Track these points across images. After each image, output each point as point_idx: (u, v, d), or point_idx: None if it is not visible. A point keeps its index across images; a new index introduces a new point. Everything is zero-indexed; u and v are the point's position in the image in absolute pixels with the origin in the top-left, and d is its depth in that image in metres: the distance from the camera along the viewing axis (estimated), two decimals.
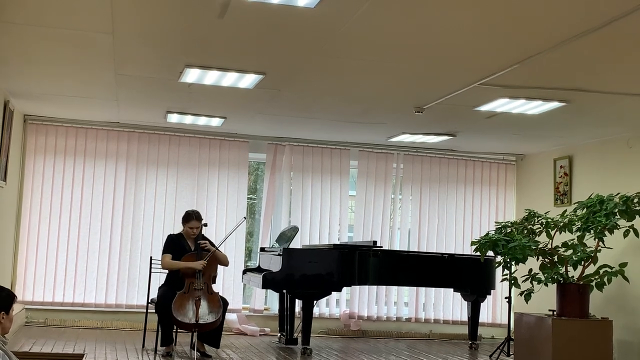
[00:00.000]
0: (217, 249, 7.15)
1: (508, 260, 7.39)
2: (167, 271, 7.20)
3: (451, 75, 5.99)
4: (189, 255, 7.01)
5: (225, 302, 7.01)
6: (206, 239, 7.31)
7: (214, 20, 4.79)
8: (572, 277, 7.19)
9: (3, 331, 3.78)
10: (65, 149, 8.96)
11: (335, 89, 6.73)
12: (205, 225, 7.33)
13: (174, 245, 7.13)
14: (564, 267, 7.21)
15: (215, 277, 7.13)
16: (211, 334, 6.98)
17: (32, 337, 7.55)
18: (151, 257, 7.58)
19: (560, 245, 7.35)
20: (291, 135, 9.39)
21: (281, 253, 7.58)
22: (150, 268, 7.46)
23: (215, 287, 7.13)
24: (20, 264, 8.72)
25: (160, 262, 7.13)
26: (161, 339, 6.95)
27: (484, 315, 9.55)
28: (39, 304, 8.72)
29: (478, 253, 7.63)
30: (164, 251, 7.14)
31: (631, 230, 6.73)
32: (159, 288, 7.16)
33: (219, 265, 7.24)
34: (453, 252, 9.20)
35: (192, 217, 7.15)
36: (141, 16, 4.88)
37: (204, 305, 6.80)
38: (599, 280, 7.03)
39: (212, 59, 5.83)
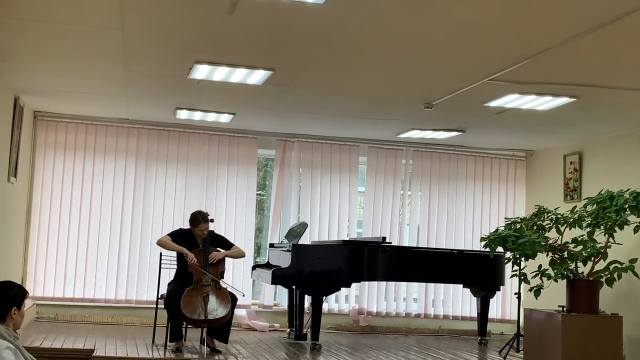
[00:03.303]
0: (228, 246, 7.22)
1: (517, 256, 7.37)
2: (176, 266, 7.23)
3: (460, 70, 5.98)
4: (197, 251, 7.03)
5: (234, 298, 7.03)
6: (218, 236, 7.33)
7: (224, 16, 4.79)
8: (582, 273, 7.16)
9: (15, 327, 3.80)
10: (75, 145, 8.99)
11: (344, 85, 6.73)
12: (212, 220, 7.32)
13: (183, 239, 7.14)
14: (574, 263, 7.19)
15: (223, 272, 7.15)
16: (220, 329, 7.00)
17: (43, 333, 7.58)
18: (161, 253, 7.59)
19: (570, 241, 7.33)
20: (300, 131, 9.40)
21: (290, 249, 7.59)
22: (160, 264, 7.47)
23: (225, 283, 7.15)
24: (30, 260, 8.76)
25: (158, 241, 7.25)
26: (170, 334, 6.97)
27: (494, 311, 9.54)
28: (49, 300, 8.77)
29: (487, 249, 7.62)
30: (168, 234, 7.25)
31: None
32: (168, 284, 7.19)
33: (230, 260, 7.27)
34: (462, 248, 9.18)
35: (199, 220, 7.12)
36: (150, 12, 4.89)
37: (212, 301, 6.82)
38: (609, 276, 7.00)
39: (221, 55, 5.83)
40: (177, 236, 7.22)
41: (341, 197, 9.66)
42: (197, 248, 7.08)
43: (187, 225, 7.41)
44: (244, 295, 7.25)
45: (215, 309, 6.83)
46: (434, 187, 9.98)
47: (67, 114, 8.89)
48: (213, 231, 7.36)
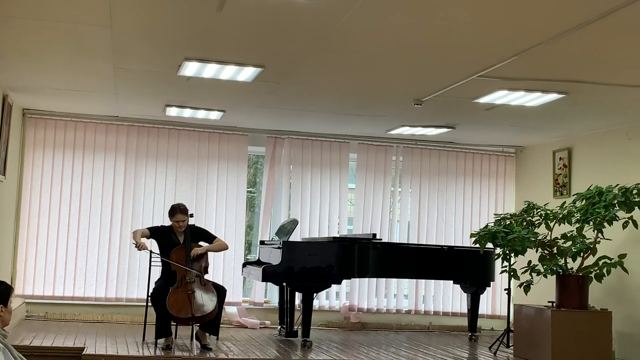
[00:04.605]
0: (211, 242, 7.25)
1: (507, 252, 7.41)
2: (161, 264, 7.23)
3: (450, 67, 5.99)
4: (178, 248, 7.02)
5: (221, 290, 7.02)
6: (199, 229, 7.33)
7: (213, 13, 4.78)
8: (572, 268, 7.20)
9: (3, 324, 3.79)
10: (64, 142, 8.96)
11: (334, 82, 6.73)
12: (191, 215, 7.31)
13: (162, 236, 7.15)
14: (563, 259, 7.23)
15: (207, 267, 7.13)
16: (209, 323, 7.00)
17: (33, 331, 7.56)
18: (151, 251, 7.58)
19: (559, 237, 7.37)
20: (290, 128, 9.39)
21: (281, 246, 7.58)
22: (150, 261, 7.45)
23: (215, 280, 7.15)
24: (20, 258, 8.72)
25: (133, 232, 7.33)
26: (159, 331, 6.93)
27: (484, 307, 9.57)
28: (39, 298, 8.74)
29: (477, 245, 7.64)
30: (148, 227, 7.32)
31: (630, 221, 6.74)
32: (156, 281, 7.19)
33: (220, 257, 7.28)
34: (452, 245, 9.21)
35: (177, 211, 7.14)
36: (139, 9, 4.87)
37: (198, 297, 6.81)
38: (598, 271, 7.04)
39: (210, 52, 5.82)
40: (156, 231, 7.24)
41: (331, 194, 9.66)
42: (179, 245, 7.07)
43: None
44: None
45: (202, 305, 6.82)
46: (424, 183, 9.99)
47: (56, 111, 8.85)
48: (194, 225, 7.34)
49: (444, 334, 9.43)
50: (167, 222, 7.35)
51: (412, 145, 9.93)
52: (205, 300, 6.85)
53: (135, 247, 7.02)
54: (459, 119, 8.29)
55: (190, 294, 6.76)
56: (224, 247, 7.42)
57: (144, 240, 7.08)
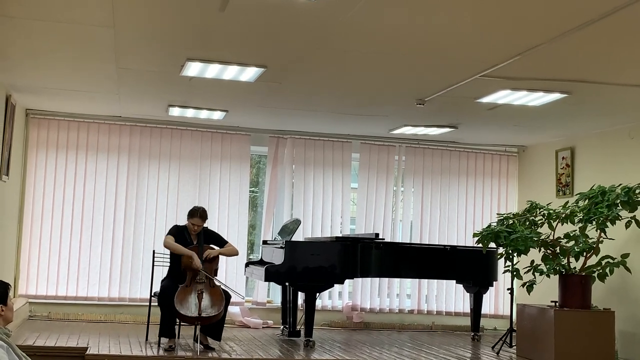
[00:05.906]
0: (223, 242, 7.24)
1: (510, 251, 7.40)
2: (169, 264, 7.23)
3: (452, 67, 5.99)
4: (191, 247, 7.04)
5: (227, 295, 7.03)
6: (212, 233, 7.34)
7: (215, 13, 4.79)
8: (574, 268, 7.19)
9: (5, 322, 3.79)
10: (67, 143, 8.97)
11: (337, 81, 6.73)
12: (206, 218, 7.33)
13: (178, 235, 7.14)
14: (566, 259, 7.22)
15: (216, 270, 7.15)
16: (213, 326, 7.00)
17: (36, 331, 7.57)
18: (154, 251, 7.59)
19: (562, 237, 7.36)
20: (293, 128, 9.39)
21: (283, 246, 7.58)
22: (153, 261, 7.47)
23: (218, 281, 7.15)
24: (23, 258, 8.74)
25: (164, 244, 7.13)
26: (164, 331, 6.94)
27: (486, 307, 9.56)
28: (42, 298, 8.75)
29: (480, 245, 7.64)
30: (168, 233, 7.21)
31: (633, 221, 6.73)
32: (162, 281, 7.18)
33: (223, 257, 7.29)
34: (455, 244, 9.20)
35: (196, 214, 7.14)
36: (142, 10, 4.88)
37: (206, 299, 6.81)
38: (601, 271, 7.03)
39: (213, 53, 5.83)
40: (175, 234, 7.20)
41: (334, 194, 9.66)
42: (192, 245, 7.09)
43: (180, 222, 7.39)
44: (243, 299, 7.20)
45: (209, 306, 6.82)
46: (426, 183, 9.99)
47: (59, 111, 8.86)
48: (207, 227, 7.36)
49: (446, 334, 9.43)
50: (178, 222, 7.33)
51: (414, 144, 9.93)
52: (212, 303, 6.85)
53: (193, 264, 6.93)
54: (462, 119, 8.29)
55: (199, 293, 6.77)
56: (235, 253, 7.41)
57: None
